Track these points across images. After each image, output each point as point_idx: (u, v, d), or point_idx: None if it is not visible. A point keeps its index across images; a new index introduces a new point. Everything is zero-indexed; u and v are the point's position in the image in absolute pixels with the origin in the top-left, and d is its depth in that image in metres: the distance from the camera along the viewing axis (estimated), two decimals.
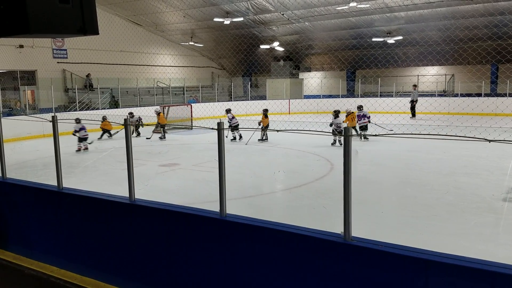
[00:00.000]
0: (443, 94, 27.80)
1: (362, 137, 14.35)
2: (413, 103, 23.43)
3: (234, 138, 16.03)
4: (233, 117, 16.30)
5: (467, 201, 7.66)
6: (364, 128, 14.35)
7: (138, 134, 18.34)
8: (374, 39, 25.44)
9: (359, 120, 14.39)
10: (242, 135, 15.96)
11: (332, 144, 13.91)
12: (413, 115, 23.29)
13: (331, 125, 14.16)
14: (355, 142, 13.83)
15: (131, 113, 18.46)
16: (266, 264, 3.74)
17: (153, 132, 19.44)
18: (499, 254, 5.41)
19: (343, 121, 14.36)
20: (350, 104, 26.53)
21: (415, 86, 24.44)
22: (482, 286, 2.86)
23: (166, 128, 19.41)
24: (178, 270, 4.35)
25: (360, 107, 15.05)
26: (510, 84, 23.96)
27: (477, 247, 5.67)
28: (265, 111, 15.77)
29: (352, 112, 15.04)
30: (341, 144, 12.91)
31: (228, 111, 16.79)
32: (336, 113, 14.32)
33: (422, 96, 25.83)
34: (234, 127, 15.79)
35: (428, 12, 21.34)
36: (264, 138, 15.61)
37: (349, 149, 3.38)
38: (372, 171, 10.39)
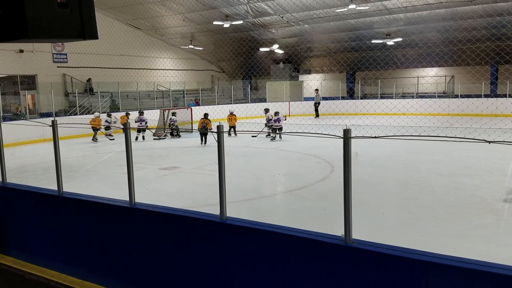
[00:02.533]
0: (443, 95, 27.81)
1: (277, 136, 16.91)
2: (316, 105, 26.94)
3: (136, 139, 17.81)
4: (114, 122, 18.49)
5: (468, 203, 7.65)
6: (280, 129, 16.86)
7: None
8: (373, 41, 25.46)
9: (274, 123, 17.08)
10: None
11: (271, 139, 16.57)
12: (317, 115, 26.67)
13: (266, 125, 17.19)
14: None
15: (174, 113, 19.30)
16: (266, 267, 3.73)
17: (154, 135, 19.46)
18: (500, 255, 5.40)
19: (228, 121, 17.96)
20: (349, 106, 26.62)
21: (317, 90, 27.70)
22: None
23: (166, 131, 19.47)
24: (179, 274, 4.34)
25: (276, 113, 17.49)
26: (509, 85, 23.96)
27: (478, 248, 5.66)
28: (205, 115, 17.14)
29: (232, 114, 18.54)
30: (273, 138, 16.69)
31: (127, 114, 19.39)
32: (266, 111, 17.78)
33: (422, 98, 25.85)
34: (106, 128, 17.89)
35: (427, 13, 21.37)
36: (202, 142, 16.24)
37: (349, 151, 3.38)
38: (372, 173, 10.38)
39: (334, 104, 26.28)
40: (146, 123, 18.76)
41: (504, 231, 6.40)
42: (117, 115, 20.21)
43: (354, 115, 26.06)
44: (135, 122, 18.66)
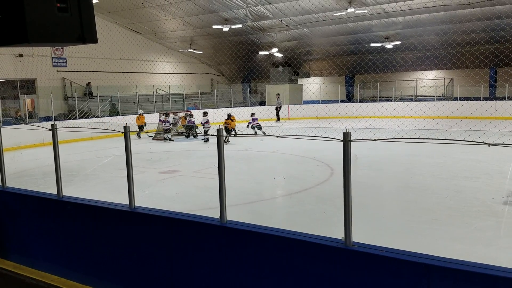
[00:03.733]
0: (442, 98, 27.85)
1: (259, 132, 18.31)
2: (277, 109, 27.24)
3: None
4: None
5: (468, 205, 7.65)
6: (259, 127, 18.72)
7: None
8: (372, 44, 25.52)
9: (253, 122, 18.99)
10: None
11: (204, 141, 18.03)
12: (278, 119, 26.98)
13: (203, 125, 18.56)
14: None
15: (191, 115, 19.78)
16: (267, 270, 3.72)
17: (154, 139, 19.45)
18: (501, 258, 5.39)
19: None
20: (349, 109, 26.67)
21: (278, 94, 28.40)
22: None
23: (167, 134, 19.51)
24: (179, 277, 4.34)
25: (253, 114, 19.58)
26: (508, 88, 24.01)
27: (478, 251, 5.65)
28: (229, 116, 18.34)
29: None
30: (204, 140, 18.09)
31: (186, 116, 19.96)
32: (204, 113, 19.00)
33: (421, 101, 25.86)
34: None
35: (425, 16, 21.42)
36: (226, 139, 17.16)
37: (349, 154, 3.38)
38: (372, 176, 10.38)
39: (333, 107, 26.26)
40: (170, 124, 19.55)
41: (504, 234, 6.40)
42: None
43: (353, 118, 26.09)
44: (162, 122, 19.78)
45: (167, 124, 19.30)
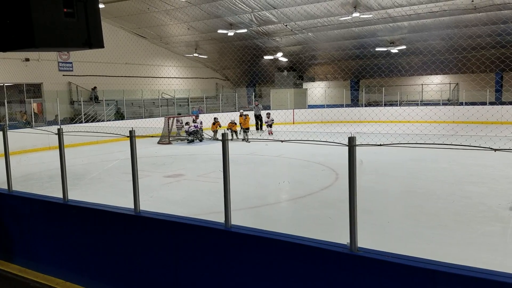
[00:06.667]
0: (447, 103, 27.76)
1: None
2: (257, 118, 24.54)
3: None
4: None
5: (474, 210, 7.60)
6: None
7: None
8: (377, 49, 25.50)
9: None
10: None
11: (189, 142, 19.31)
12: (258, 128, 24.37)
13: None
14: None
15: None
16: (271, 275, 3.71)
17: (159, 143, 19.49)
18: (507, 263, 5.35)
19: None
20: (354, 113, 26.62)
21: (256, 101, 26.82)
22: None
23: (171, 139, 19.56)
24: (183, 282, 4.33)
25: (268, 114, 21.22)
26: None
27: (484, 256, 5.61)
28: (216, 119, 20.03)
29: (217, 120, 20.49)
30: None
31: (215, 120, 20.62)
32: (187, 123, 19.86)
33: (427, 106, 25.80)
34: None
35: (431, 21, 21.40)
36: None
37: (354, 159, 3.37)
38: (378, 180, 10.34)
39: (338, 112, 26.23)
40: None
41: (511, 239, 6.35)
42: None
43: (359, 123, 26.04)
44: None
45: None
